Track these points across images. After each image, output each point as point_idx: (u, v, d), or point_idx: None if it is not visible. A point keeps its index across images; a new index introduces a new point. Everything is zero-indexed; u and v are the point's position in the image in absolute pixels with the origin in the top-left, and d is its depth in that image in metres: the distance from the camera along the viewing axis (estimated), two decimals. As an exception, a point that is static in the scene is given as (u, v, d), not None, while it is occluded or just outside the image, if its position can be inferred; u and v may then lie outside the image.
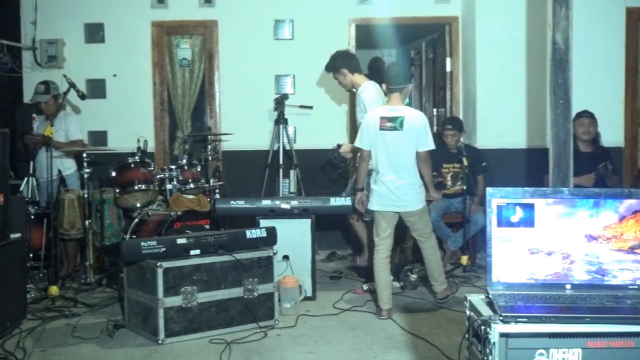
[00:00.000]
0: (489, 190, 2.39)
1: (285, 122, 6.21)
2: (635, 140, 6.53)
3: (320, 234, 5.95)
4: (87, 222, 5.28)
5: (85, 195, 5.28)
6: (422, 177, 4.52)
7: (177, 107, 6.75)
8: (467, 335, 2.36)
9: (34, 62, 6.50)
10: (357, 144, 4.54)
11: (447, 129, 5.84)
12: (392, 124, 4.37)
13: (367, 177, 4.64)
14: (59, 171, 5.60)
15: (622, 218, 2.35)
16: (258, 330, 4.09)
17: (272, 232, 4.42)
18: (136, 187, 5.32)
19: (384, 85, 4.56)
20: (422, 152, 4.41)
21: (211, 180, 5.68)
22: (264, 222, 4.71)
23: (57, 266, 5.07)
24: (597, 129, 5.41)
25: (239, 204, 4.96)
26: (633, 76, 6.44)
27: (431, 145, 4.44)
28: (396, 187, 4.40)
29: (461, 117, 6.43)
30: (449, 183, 5.83)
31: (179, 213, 5.10)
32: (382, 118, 4.41)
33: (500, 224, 2.37)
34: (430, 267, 4.62)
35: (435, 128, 6.99)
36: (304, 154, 6.36)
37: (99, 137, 6.49)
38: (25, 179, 5.54)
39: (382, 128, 4.39)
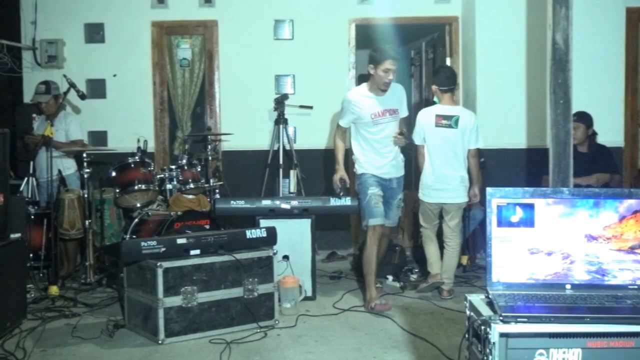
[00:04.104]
0: (488, 190, 2.39)
1: (285, 122, 6.21)
2: (635, 140, 6.53)
3: (320, 234, 5.96)
4: (87, 222, 5.28)
5: (85, 195, 5.28)
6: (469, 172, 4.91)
7: (177, 107, 6.75)
8: (467, 335, 2.36)
9: (34, 62, 6.50)
10: (414, 141, 4.91)
11: None
12: (448, 121, 4.79)
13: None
14: (59, 171, 5.61)
15: (622, 218, 2.35)
16: (258, 330, 4.09)
17: (272, 232, 4.42)
18: (136, 187, 5.32)
19: (434, 87, 4.93)
20: (473, 149, 4.84)
21: (211, 180, 5.68)
22: (264, 222, 4.71)
23: (57, 266, 5.08)
24: (590, 130, 5.37)
25: (239, 204, 4.97)
26: (633, 76, 6.44)
27: (481, 144, 4.90)
28: (448, 181, 4.78)
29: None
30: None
31: (179, 213, 5.10)
32: (437, 116, 4.82)
33: (500, 224, 2.37)
34: (446, 263, 4.88)
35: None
36: (304, 154, 6.36)
37: (99, 137, 6.49)
38: (25, 179, 5.54)
39: (437, 125, 4.80)
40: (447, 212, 4.89)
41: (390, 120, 4.65)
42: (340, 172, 4.69)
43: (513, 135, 6.27)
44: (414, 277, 5.33)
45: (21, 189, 5.47)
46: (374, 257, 4.57)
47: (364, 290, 4.74)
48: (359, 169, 4.71)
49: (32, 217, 5.18)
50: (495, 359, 2.12)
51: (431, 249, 4.95)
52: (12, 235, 4.22)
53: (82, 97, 5.46)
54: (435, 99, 5.06)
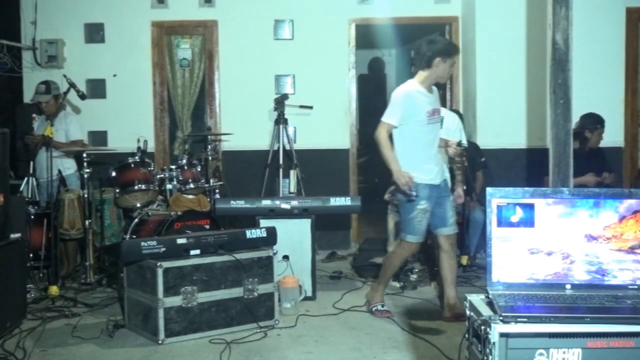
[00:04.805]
0: (489, 190, 2.38)
1: (285, 122, 6.21)
2: (635, 140, 6.54)
3: (320, 234, 5.96)
4: (87, 222, 5.28)
5: (85, 195, 5.28)
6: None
7: (177, 107, 6.76)
8: (467, 335, 2.36)
9: (34, 62, 6.50)
10: None
11: None
12: None
13: None
14: (59, 171, 5.61)
15: (622, 218, 2.35)
16: (258, 330, 4.09)
17: (272, 232, 4.42)
18: (136, 187, 5.32)
19: None
20: None
21: (211, 180, 5.68)
22: (264, 222, 4.71)
23: (57, 266, 5.07)
24: None
25: (239, 204, 4.97)
26: (633, 76, 6.45)
27: (464, 144, 4.69)
28: None
29: (461, 117, 6.43)
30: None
31: (179, 213, 5.10)
32: None
33: (500, 224, 2.37)
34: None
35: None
36: (304, 154, 6.37)
37: (99, 137, 6.49)
38: (25, 179, 5.54)
39: None
40: None
41: (438, 120, 4.33)
42: (405, 171, 4.11)
43: (513, 135, 6.27)
44: (414, 277, 5.33)
45: (21, 189, 5.47)
46: (396, 267, 4.48)
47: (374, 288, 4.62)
48: None
49: (32, 217, 5.18)
50: (495, 359, 2.11)
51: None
52: (12, 235, 4.22)
53: (82, 97, 5.46)
54: None
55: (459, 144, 4.39)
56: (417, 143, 4.19)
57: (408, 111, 4.14)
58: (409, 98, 4.15)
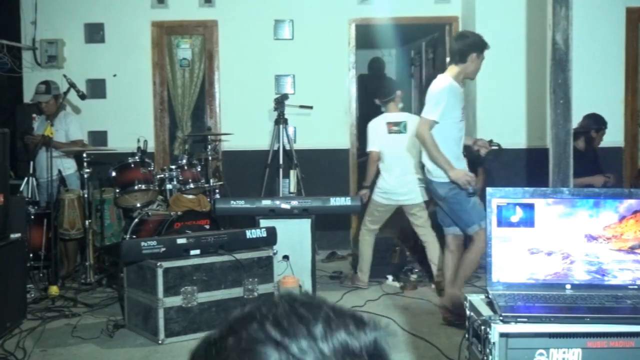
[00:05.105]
0: (489, 190, 2.38)
1: (285, 122, 6.21)
2: (635, 140, 6.54)
3: (320, 234, 5.96)
4: (87, 222, 5.28)
5: (85, 195, 5.28)
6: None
7: (177, 107, 6.75)
8: (467, 335, 2.36)
9: (34, 62, 6.50)
10: (368, 148, 5.16)
11: None
12: (398, 127, 5.02)
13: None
14: (59, 171, 5.60)
15: (622, 218, 2.35)
16: (258, 330, 4.08)
17: (272, 232, 4.42)
18: (136, 187, 5.32)
19: (377, 100, 5.23)
20: None
21: (211, 180, 5.68)
22: (264, 222, 4.71)
23: (57, 266, 5.07)
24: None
25: (239, 204, 4.97)
26: (633, 76, 6.44)
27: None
28: (407, 184, 4.94)
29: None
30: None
31: (179, 213, 5.09)
32: (388, 123, 5.04)
33: (500, 224, 2.37)
34: (437, 260, 4.92)
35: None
36: (304, 154, 6.36)
37: (99, 137, 6.48)
38: (25, 179, 5.54)
39: (390, 132, 5.01)
40: (410, 213, 5.02)
41: (464, 118, 4.24)
42: (460, 168, 3.98)
43: (513, 135, 6.26)
44: (414, 277, 5.33)
45: (21, 189, 5.46)
46: (477, 263, 4.20)
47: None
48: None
49: (32, 217, 5.18)
50: (495, 359, 2.12)
51: (366, 254, 5.18)
52: (12, 235, 4.22)
53: (82, 97, 5.46)
54: (382, 108, 5.29)
55: (491, 142, 4.53)
56: (452, 139, 4.05)
57: (448, 106, 3.98)
58: (451, 92, 4.01)
